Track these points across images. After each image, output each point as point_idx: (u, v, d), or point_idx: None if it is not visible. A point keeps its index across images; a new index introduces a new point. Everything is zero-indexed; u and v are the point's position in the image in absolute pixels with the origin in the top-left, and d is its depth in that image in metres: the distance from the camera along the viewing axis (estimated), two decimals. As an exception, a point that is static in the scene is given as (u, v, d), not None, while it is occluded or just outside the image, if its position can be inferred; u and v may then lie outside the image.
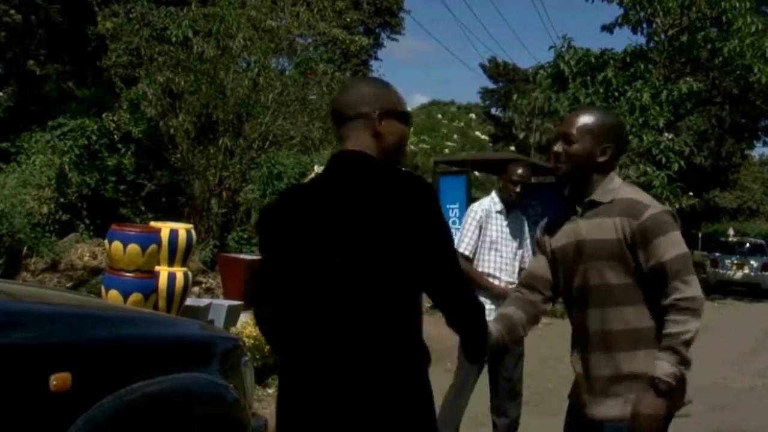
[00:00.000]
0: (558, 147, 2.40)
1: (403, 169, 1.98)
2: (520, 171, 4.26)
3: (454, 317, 2.02)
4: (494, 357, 4.14)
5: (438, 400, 4.33)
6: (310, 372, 1.86)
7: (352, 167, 1.94)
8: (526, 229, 4.53)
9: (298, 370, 1.89)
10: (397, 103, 2.03)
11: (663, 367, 2.22)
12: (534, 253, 2.60)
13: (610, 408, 2.34)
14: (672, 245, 2.25)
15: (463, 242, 4.23)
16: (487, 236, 4.25)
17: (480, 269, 4.23)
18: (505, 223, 4.30)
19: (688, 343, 2.24)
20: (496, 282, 4.21)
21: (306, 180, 6.48)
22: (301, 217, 1.92)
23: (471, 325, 2.08)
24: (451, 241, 1.93)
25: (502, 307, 2.64)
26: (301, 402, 1.87)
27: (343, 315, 1.83)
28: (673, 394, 2.25)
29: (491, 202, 4.34)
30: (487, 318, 2.20)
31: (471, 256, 4.22)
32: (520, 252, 4.38)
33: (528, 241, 4.49)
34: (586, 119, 2.39)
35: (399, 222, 1.83)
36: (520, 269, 4.33)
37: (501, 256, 4.27)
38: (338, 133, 2.03)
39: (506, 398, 4.27)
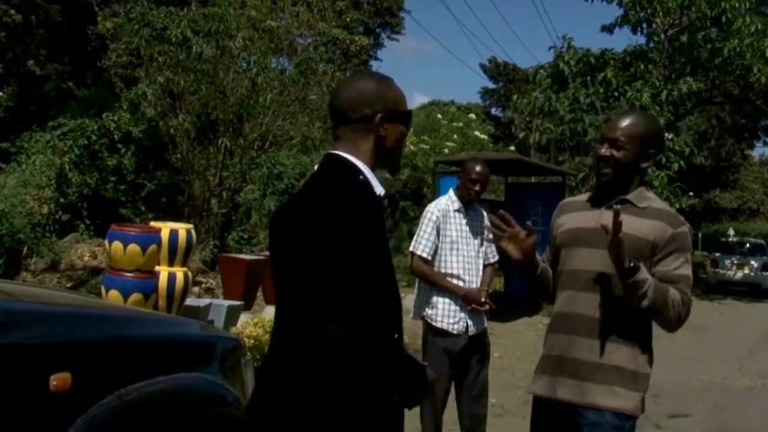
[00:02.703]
0: (605, 151, 2.41)
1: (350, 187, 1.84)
2: (478, 169, 4.16)
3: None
4: (460, 366, 4.11)
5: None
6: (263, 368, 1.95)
7: (327, 173, 1.89)
8: (487, 222, 4.40)
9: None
10: (399, 103, 1.92)
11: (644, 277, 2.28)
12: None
13: (604, 396, 2.34)
14: (687, 264, 2.39)
15: (420, 244, 4.16)
16: (447, 236, 4.17)
17: (443, 271, 4.16)
18: (464, 221, 4.22)
19: (665, 305, 2.29)
20: (461, 283, 4.14)
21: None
22: (278, 217, 1.95)
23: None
24: (326, 279, 1.73)
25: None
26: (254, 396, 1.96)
27: (279, 324, 1.88)
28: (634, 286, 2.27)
29: (449, 201, 4.25)
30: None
31: (429, 258, 4.15)
32: (482, 249, 4.29)
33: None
34: (634, 125, 2.42)
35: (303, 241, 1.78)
36: (485, 266, 4.28)
37: (463, 256, 4.19)
38: (334, 131, 1.92)
39: (476, 402, 4.21)
